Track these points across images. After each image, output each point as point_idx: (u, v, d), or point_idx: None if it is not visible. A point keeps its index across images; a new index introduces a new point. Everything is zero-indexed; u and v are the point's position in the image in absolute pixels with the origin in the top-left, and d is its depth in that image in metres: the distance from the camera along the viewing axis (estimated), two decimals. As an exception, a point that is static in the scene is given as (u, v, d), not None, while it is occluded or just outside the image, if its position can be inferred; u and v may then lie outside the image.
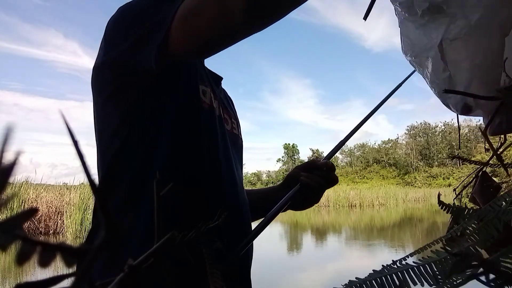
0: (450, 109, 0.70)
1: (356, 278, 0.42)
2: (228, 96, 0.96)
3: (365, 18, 0.62)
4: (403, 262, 0.42)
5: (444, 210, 0.54)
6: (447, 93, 0.62)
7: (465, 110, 0.67)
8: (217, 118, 0.77)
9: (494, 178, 0.69)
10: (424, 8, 0.61)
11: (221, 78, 0.90)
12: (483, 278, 0.23)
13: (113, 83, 0.69)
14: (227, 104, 0.89)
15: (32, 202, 9.98)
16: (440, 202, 0.55)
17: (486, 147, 0.69)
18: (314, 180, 0.81)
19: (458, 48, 0.61)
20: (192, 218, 0.61)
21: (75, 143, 0.15)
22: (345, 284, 0.42)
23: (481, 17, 0.56)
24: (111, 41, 0.68)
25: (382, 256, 6.28)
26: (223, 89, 0.93)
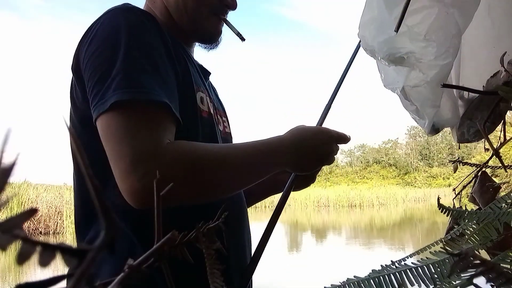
0: (422, 127, 0.76)
1: (354, 276, 0.42)
2: (213, 88, 0.94)
3: (396, 30, 0.63)
4: (402, 263, 0.42)
5: (444, 213, 0.54)
6: (445, 87, 0.63)
7: (433, 132, 0.74)
8: (216, 125, 0.77)
9: (493, 178, 0.69)
10: (384, 57, 0.66)
11: (209, 73, 0.88)
12: (482, 279, 0.23)
13: None
14: (217, 100, 0.88)
15: (32, 202, 9.98)
16: (440, 205, 0.55)
17: (486, 147, 0.69)
18: None
19: (419, 91, 0.68)
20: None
21: (76, 143, 0.15)
22: (343, 282, 0.43)
23: (436, 74, 0.62)
24: (86, 61, 0.63)
25: (382, 256, 6.27)
26: (209, 81, 0.91)
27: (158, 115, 0.59)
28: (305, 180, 0.86)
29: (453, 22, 0.60)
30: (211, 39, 0.83)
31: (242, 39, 0.85)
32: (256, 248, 0.71)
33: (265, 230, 0.71)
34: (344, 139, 0.76)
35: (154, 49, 0.64)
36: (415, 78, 0.65)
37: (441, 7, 0.60)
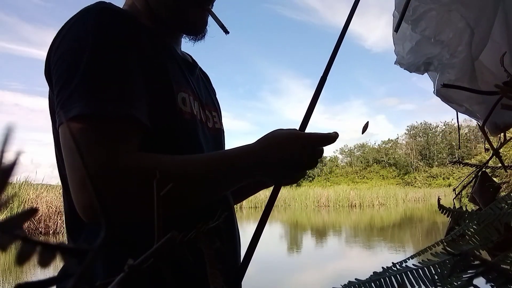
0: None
1: (355, 279, 0.42)
2: (205, 78, 0.91)
3: (396, 30, 0.63)
4: (403, 265, 0.43)
5: (444, 214, 0.54)
6: (446, 87, 0.63)
7: (497, 131, 0.70)
8: (200, 125, 0.74)
9: (494, 178, 0.69)
10: (410, 67, 0.66)
11: (196, 66, 0.86)
12: (482, 279, 0.23)
13: None
14: (206, 94, 0.85)
15: (32, 202, 9.97)
16: (440, 206, 0.55)
17: (486, 147, 0.69)
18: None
19: (456, 91, 0.66)
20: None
21: (76, 143, 0.15)
22: (344, 285, 0.43)
23: (460, 71, 0.63)
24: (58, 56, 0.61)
25: (382, 256, 6.27)
26: (198, 73, 0.87)
27: (118, 127, 0.57)
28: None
29: (458, 17, 0.60)
30: (196, 31, 0.79)
31: (226, 32, 0.81)
32: (244, 256, 0.68)
33: (251, 240, 0.68)
34: (324, 140, 0.69)
35: (122, 56, 0.61)
36: (444, 79, 0.65)
37: (439, 8, 0.61)
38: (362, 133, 0.75)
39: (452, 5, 0.60)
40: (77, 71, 0.57)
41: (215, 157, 0.66)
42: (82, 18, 0.63)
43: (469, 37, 0.60)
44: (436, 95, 0.70)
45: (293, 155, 0.66)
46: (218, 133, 0.85)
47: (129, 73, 0.61)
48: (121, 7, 0.76)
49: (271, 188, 0.74)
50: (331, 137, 0.70)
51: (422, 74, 0.71)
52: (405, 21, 0.64)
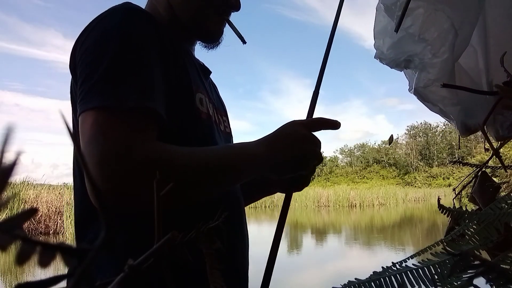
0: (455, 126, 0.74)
1: (355, 279, 0.42)
2: (214, 86, 0.94)
3: (396, 30, 0.64)
4: (403, 265, 0.43)
5: (444, 214, 0.54)
6: (445, 87, 0.62)
7: (466, 132, 0.70)
8: (215, 126, 0.76)
9: (494, 178, 0.69)
10: (391, 63, 0.66)
11: (210, 72, 0.88)
12: (482, 279, 0.23)
13: None
14: (217, 100, 0.88)
15: (32, 202, 9.98)
16: (440, 206, 0.55)
17: (486, 146, 0.69)
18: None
19: (433, 91, 0.67)
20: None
21: (76, 143, 0.15)
22: (344, 284, 0.43)
23: (440, 71, 0.63)
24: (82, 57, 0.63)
25: (382, 256, 6.27)
26: (210, 79, 0.90)
27: (136, 118, 0.58)
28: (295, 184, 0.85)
29: (444, 17, 0.60)
30: (213, 39, 0.82)
31: (244, 41, 0.84)
32: (267, 265, 0.70)
33: (271, 247, 0.72)
34: (323, 123, 0.70)
35: (144, 53, 0.63)
36: (424, 78, 0.65)
37: (426, 6, 0.61)
38: (389, 145, 0.81)
39: (439, 4, 0.60)
40: (101, 65, 0.59)
41: (226, 150, 0.67)
42: (109, 15, 0.66)
43: (453, 39, 0.60)
44: (413, 94, 0.70)
45: (296, 143, 0.67)
46: (229, 137, 0.87)
47: (150, 69, 0.63)
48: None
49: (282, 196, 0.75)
50: (332, 122, 0.70)
51: (401, 71, 0.71)
52: (390, 16, 0.64)
